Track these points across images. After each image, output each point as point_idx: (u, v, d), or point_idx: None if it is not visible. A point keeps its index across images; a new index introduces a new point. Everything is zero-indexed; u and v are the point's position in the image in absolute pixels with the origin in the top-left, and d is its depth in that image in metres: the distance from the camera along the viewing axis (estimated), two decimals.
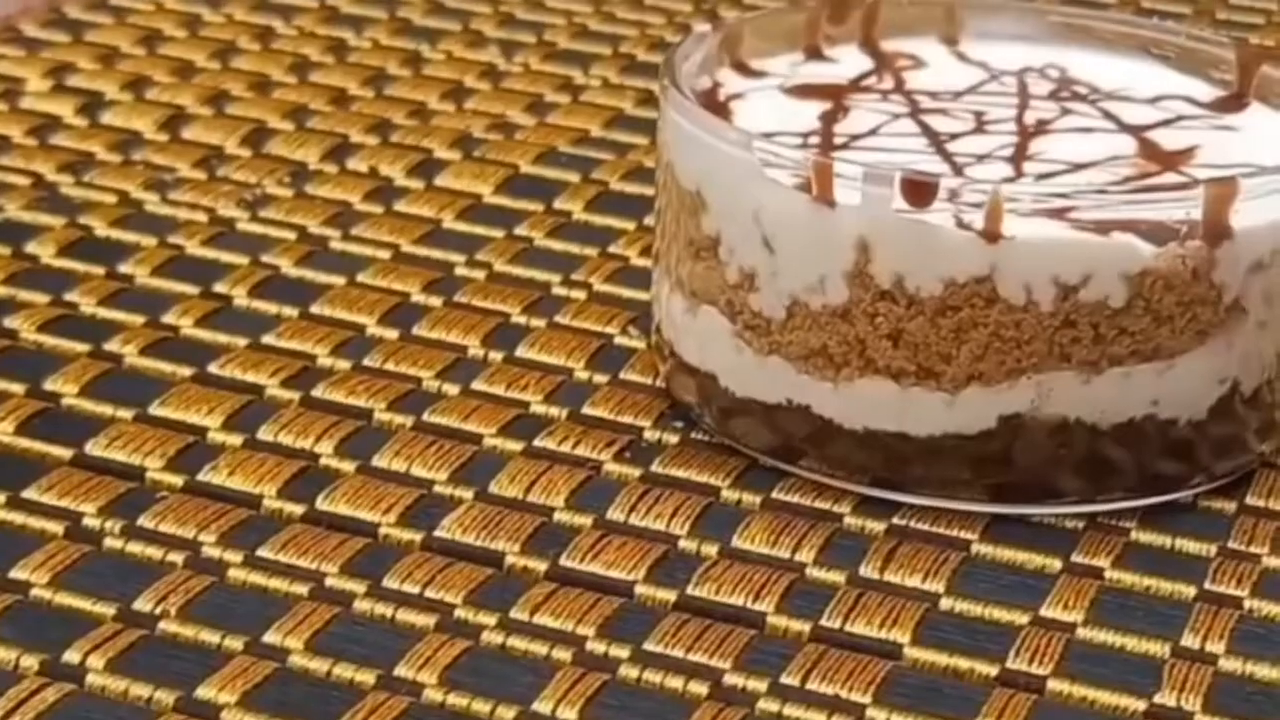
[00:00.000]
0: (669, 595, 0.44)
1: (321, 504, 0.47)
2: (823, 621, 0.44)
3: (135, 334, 0.53)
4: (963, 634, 0.44)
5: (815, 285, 0.47)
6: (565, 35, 0.73)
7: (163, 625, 0.43)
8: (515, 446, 0.49)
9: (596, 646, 0.43)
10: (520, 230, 0.59)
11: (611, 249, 0.58)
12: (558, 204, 0.61)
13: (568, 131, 0.65)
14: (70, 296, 0.55)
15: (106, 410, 0.50)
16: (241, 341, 0.53)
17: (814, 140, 0.49)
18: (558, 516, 0.47)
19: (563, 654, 0.42)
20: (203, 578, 0.44)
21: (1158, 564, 0.46)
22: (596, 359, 0.53)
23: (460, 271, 0.57)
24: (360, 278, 0.56)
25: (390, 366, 0.52)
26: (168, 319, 0.54)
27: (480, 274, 0.57)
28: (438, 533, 0.46)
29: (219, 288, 0.55)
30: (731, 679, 0.42)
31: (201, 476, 0.47)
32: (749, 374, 0.48)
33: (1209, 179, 0.47)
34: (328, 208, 0.60)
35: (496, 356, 0.53)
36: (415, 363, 0.52)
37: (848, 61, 0.54)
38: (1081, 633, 0.44)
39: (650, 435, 0.50)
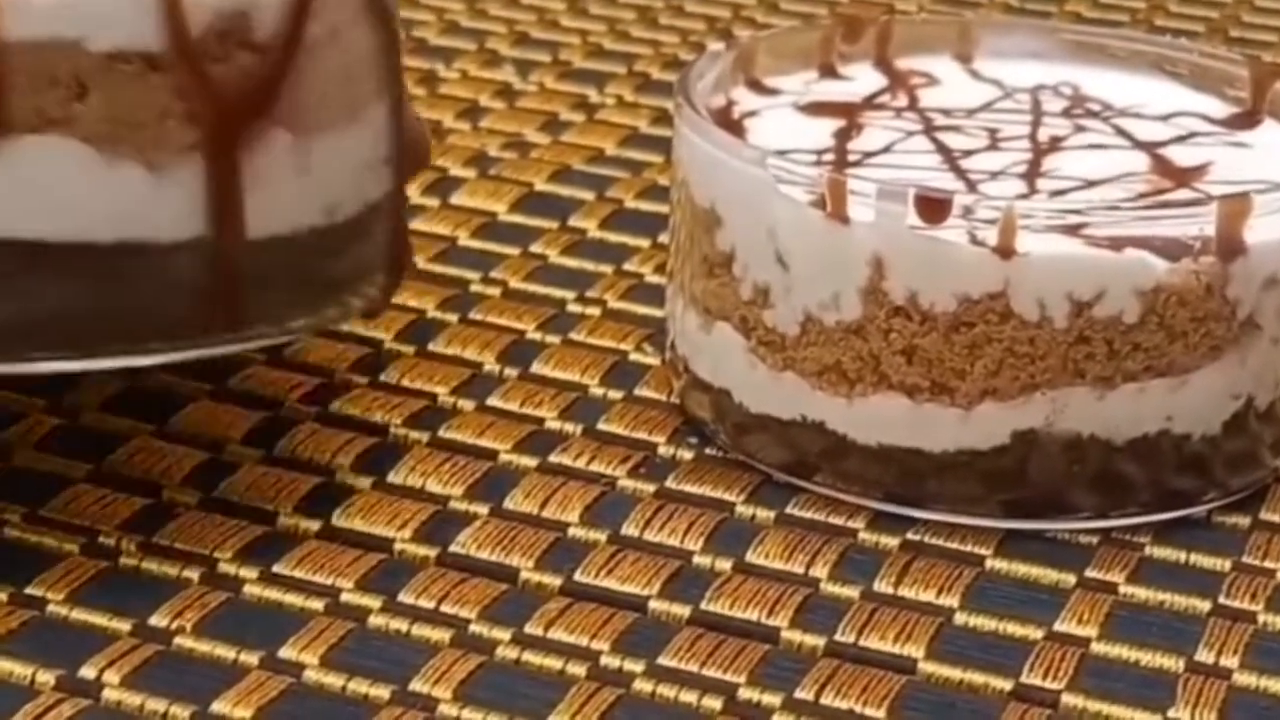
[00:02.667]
0: (683, 610, 0.44)
1: (337, 520, 0.47)
2: (837, 636, 0.44)
3: None
4: (977, 649, 0.44)
5: (829, 301, 0.47)
6: (580, 54, 0.73)
7: (178, 641, 0.43)
8: (530, 463, 0.49)
9: (611, 661, 0.43)
10: (535, 248, 0.60)
11: (626, 266, 0.59)
12: (572, 221, 0.61)
13: (582, 150, 0.66)
14: None
15: (124, 425, 0.50)
16: (260, 357, 0.53)
17: (828, 157, 0.49)
18: (572, 532, 0.47)
19: (577, 669, 0.42)
20: (218, 593, 0.44)
21: (1172, 579, 0.46)
22: (611, 375, 0.53)
23: (475, 288, 0.57)
24: None
25: (406, 383, 0.52)
26: None
27: (495, 291, 0.57)
28: (453, 548, 0.46)
29: None
30: (746, 693, 0.42)
31: (218, 493, 0.48)
32: (763, 390, 0.48)
33: (1222, 195, 0.47)
34: None
35: (512, 373, 0.53)
36: (431, 379, 0.53)
37: (862, 79, 0.54)
38: (1096, 647, 0.44)
39: (664, 451, 0.50)
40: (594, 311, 0.56)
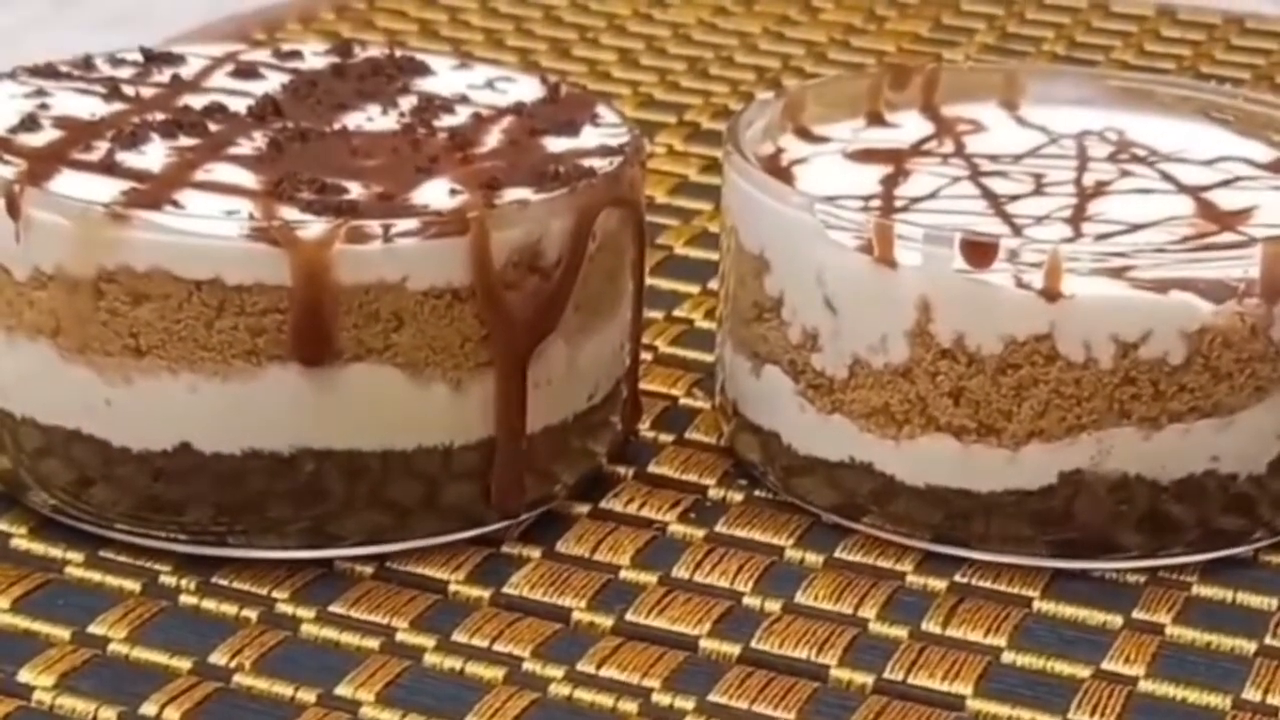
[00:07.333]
0: (733, 649, 0.45)
1: (391, 562, 0.47)
2: (886, 674, 0.44)
3: None
4: (1025, 686, 0.44)
5: (877, 344, 0.47)
6: (631, 104, 0.74)
7: (237, 678, 0.43)
8: (582, 509, 0.50)
9: (662, 698, 0.43)
10: None
11: (676, 312, 0.59)
12: None
13: None
14: None
15: None
16: None
17: (875, 203, 0.50)
18: (624, 574, 0.47)
19: (629, 706, 0.43)
20: (276, 632, 0.45)
21: (1218, 618, 0.46)
22: (662, 419, 0.54)
23: None
24: None
25: None
26: None
27: None
28: (505, 590, 0.47)
29: None
30: None
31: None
32: (812, 433, 0.49)
33: (1266, 237, 0.47)
34: None
35: None
36: None
37: (909, 126, 0.55)
38: (1143, 686, 0.44)
39: (715, 494, 0.51)
40: (646, 357, 0.57)
